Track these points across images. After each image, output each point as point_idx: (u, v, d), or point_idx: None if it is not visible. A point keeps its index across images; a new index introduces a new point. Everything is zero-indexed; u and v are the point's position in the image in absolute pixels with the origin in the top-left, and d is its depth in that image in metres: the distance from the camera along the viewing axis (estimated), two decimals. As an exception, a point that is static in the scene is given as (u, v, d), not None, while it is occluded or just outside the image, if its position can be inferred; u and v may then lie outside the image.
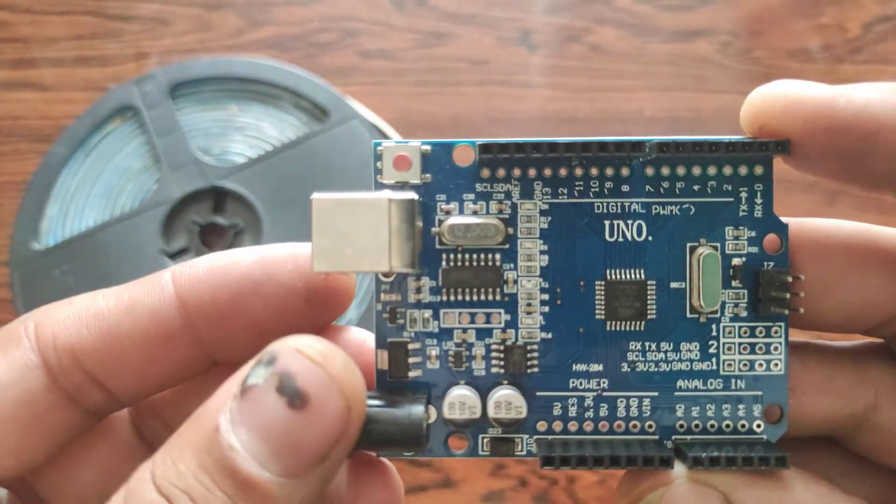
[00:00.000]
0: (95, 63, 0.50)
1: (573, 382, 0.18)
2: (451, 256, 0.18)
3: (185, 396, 0.20)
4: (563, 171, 0.18)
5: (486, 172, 0.18)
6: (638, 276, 0.17)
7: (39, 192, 0.44)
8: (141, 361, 0.18)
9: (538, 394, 0.18)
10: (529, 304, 0.18)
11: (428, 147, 0.18)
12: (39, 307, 0.18)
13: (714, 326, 0.18)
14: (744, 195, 0.18)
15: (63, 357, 0.17)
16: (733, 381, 0.18)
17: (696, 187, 0.18)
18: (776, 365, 0.18)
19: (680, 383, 0.18)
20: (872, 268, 0.19)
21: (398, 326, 0.18)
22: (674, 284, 0.18)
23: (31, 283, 0.41)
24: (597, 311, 0.18)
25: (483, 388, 0.18)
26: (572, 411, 0.18)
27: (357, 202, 0.16)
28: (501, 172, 0.18)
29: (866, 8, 0.51)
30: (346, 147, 0.44)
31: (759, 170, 0.18)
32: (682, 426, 0.18)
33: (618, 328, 0.18)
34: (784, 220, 0.18)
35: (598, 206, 0.18)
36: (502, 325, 0.18)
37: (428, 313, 0.18)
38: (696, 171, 0.18)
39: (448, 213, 0.18)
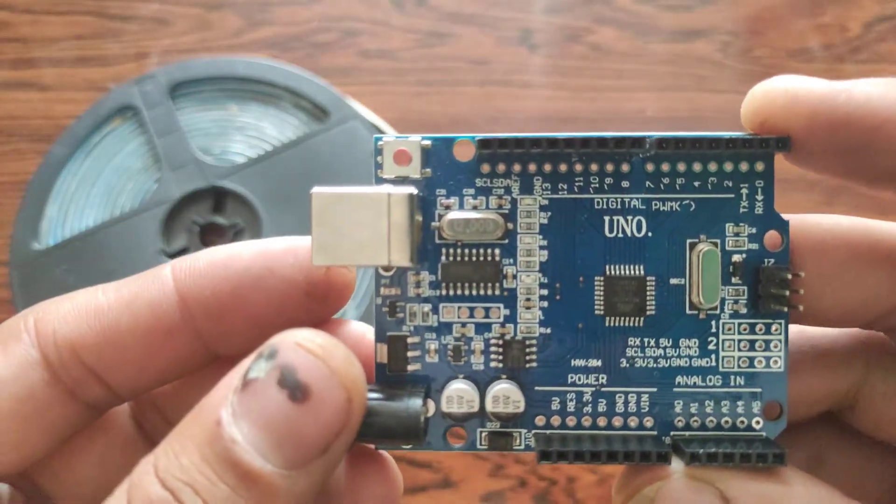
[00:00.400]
0: (95, 63, 0.50)
1: (572, 377, 0.18)
2: (451, 251, 0.18)
3: (186, 390, 0.20)
4: (562, 167, 0.18)
5: (486, 168, 0.18)
6: (637, 271, 0.18)
7: (39, 192, 0.44)
8: (141, 355, 0.18)
9: (536, 388, 0.18)
10: (528, 299, 0.18)
11: (428, 142, 0.18)
12: (39, 302, 0.18)
13: (713, 323, 0.18)
14: (744, 191, 0.18)
15: (63, 352, 0.17)
16: (732, 377, 0.18)
17: (696, 183, 0.18)
18: (776, 362, 0.18)
19: (679, 379, 0.18)
20: (871, 262, 0.19)
21: (397, 320, 0.18)
22: (673, 280, 0.18)
23: (30, 282, 0.41)
24: (596, 307, 0.18)
25: (481, 382, 0.18)
26: (571, 406, 0.18)
27: (357, 196, 0.16)
28: (501, 168, 0.18)
29: (867, 7, 0.51)
30: (346, 147, 0.44)
31: (759, 166, 0.18)
32: (680, 422, 0.18)
33: (617, 324, 0.18)
34: (784, 216, 0.18)
35: (598, 202, 0.18)
36: (501, 319, 0.18)
37: (427, 307, 0.18)
38: (697, 167, 0.18)
39: (448, 207, 0.18)
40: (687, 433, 0.18)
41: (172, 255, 0.42)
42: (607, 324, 0.18)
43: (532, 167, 0.18)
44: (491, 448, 0.18)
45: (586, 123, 0.48)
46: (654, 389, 0.18)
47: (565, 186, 0.18)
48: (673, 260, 0.18)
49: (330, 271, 0.18)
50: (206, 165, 0.44)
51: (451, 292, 0.18)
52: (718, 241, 0.18)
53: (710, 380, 0.18)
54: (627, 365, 0.18)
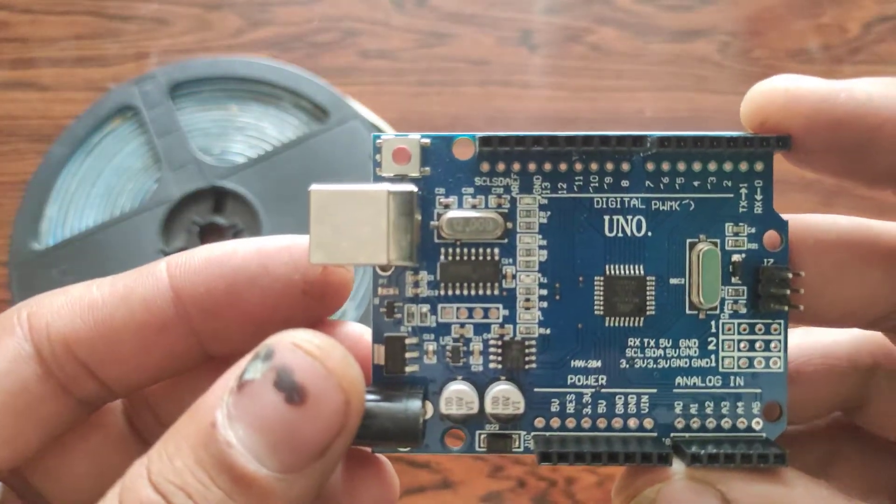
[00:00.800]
0: (95, 63, 0.50)
1: (571, 378, 0.18)
2: (450, 251, 0.17)
3: (179, 391, 0.20)
4: (562, 166, 0.18)
5: (485, 166, 0.18)
6: (637, 271, 0.17)
7: (39, 192, 0.44)
8: (135, 351, 0.17)
9: (536, 390, 0.18)
10: (528, 300, 0.18)
11: (427, 140, 0.17)
12: (33, 297, 0.18)
13: (713, 323, 0.18)
14: (744, 191, 0.18)
15: (56, 346, 0.17)
16: (732, 378, 0.18)
17: (696, 183, 0.18)
18: (775, 363, 0.18)
19: (679, 380, 0.18)
20: (871, 262, 0.19)
21: (395, 321, 0.18)
22: (673, 280, 0.18)
23: (30, 283, 0.41)
24: (595, 307, 0.17)
25: (480, 383, 0.18)
26: (570, 408, 0.18)
27: (356, 194, 0.16)
28: (501, 167, 0.18)
29: (866, 8, 0.51)
30: (346, 147, 0.44)
31: (759, 166, 0.18)
32: (680, 423, 0.18)
33: (617, 324, 0.18)
34: (783, 216, 0.18)
35: (598, 202, 0.18)
36: (500, 320, 0.18)
37: (425, 308, 0.18)
38: (697, 166, 0.18)
39: (447, 206, 0.17)
40: (687, 434, 0.18)
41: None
42: (607, 324, 0.18)
43: (532, 166, 0.18)
44: (490, 450, 0.18)
45: (586, 124, 0.48)
46: (654, 390, 0.18)
47: (565, 186, 0.18)
48: (673, 260, 0.18)
49: (327, 270, 0.17)
50: (205, 165, 0.44)
51: (450, 292, 0.18)
52: (718, 240, 0.18)
53: (710, 380, 0.18)
54: (627, 366, 0.18)
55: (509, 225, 0.17)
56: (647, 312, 0.17)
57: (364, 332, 0.18)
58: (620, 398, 0.18)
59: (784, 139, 0.17)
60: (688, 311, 0.18)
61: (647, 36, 0.50)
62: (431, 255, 0.17)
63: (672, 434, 0.18)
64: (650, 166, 0.18)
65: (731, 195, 0.18)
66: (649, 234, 0.18)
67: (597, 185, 0.18)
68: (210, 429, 0.14)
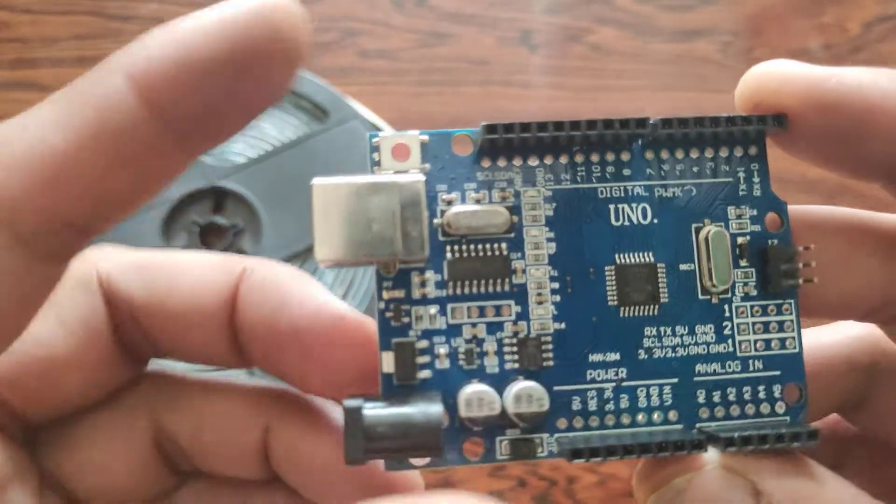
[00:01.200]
0: (95, 63, 0.50)
1: (591, 374, 0.17)
2: (456, 247, 0.17)
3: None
4: (563, 158, 0.17)
5: (486, 161, 0.17)
6: (647, 259, 0.17)
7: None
8: (187, 325, 0.17)
9: (556, 388, 0.17)
10: (540, 294, 0.17)
11: (426, 137, 0.17)
12: (98, 251, 0.17)
13: (727, 307, 0.17)
14: (742, 175, 0.18)
15: (123, 308, 0.17)
16: (750, 362, 0.17)
17: (695, 169, 0.18)
18: (791, 343, 0.18)
19: (699, 368, 0.17)
20: (868, 251, 0.19)
21: (403, 325, 0.17)
22: (683, 266, 0.17)
23: (30, 283, 0.41)
24: (609, 298, 0.17)
25: (497, 385, 0.17)
26: (592, 405, 0.17)
27: (363, 185, 0.15)
28: (502, 161, 0.17)
29: (867, 7, 0.51)
30: (346, 147, 0.44)
31: (753, 150, 0.18)
32: (704, 413, 0.17)
33: (631, 314, 0.17)
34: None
35: (602, 191, 0.17)
36: (513, 317, 0.17)
37: (434, 309, 0.17)
38: (694, 153, 0.18)
39: (449, 203, 0.17)
40: (713, 424, 0.17)
41: (172, 256, 0.42)
42: (622, 315, 0.17)
43: (533, 160, 0.17)
44: (513, 458, 0.16)
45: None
46: (675, 380, 0.17)
47: (567, 177, 0.17)
48: (681, 245, 0.17)
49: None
50: (205, 165, 0.44)
51: (459, 291, 0.17)
52: (722, 224, 0.18)
53: (730, 366, 0.17)
54: (646, 356, 0.17)
55: (515, 219, 0.17)
56: (661, 300, 0.17)
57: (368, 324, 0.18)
58: (642, 391, 0.17)
59: (780, 117, 0.17)
60: (700, 297, 0.17)
61: (647, 36, 0.50)
62: (437, 254, 0.17)
63: (697, 424, 0.17)
64: (649, 155, 0.18)
65: (731, 179, 0.18)
66: (655, 221, 0.17)
67: (599, 175, 0.17)
68: None
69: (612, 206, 0.17)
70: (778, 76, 0.17)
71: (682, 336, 0.17)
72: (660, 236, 0.17)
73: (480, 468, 0.40)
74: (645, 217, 0.17)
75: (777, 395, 0.17)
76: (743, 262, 0.17)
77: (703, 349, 0.17)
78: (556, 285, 0.17)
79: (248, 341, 0.18)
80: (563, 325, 0.17)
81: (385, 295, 0.17)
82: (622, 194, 0.17)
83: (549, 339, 0.17)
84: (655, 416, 0.17)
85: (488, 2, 0.52)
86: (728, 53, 0.50)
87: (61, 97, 0.14)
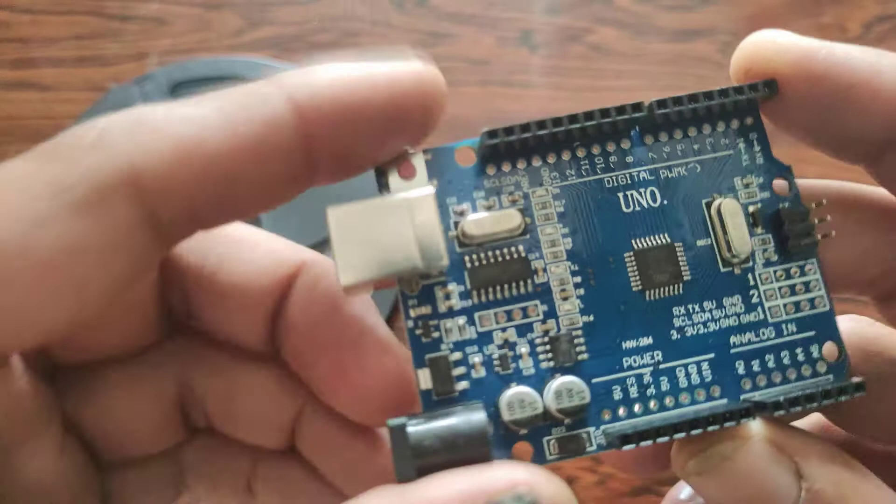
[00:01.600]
0: (95, 63, 0.50)
1: (627, 361, 0.17)
2: (475, 256, 0.17)
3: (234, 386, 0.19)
4: (565, 155, 0.18)
5: (491, 169, 0.17)
6: (664, 240, 0.17)
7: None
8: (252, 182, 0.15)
9: (594, 381, 0.17)
10: (563, 290, 0.17)
11: (430, 154, 0.17)
12: (121, 123, 0.14)
13: (750, 276, 0.17)
14: (742, 146, 0.18)
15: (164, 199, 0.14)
16: (784, 326, 0.17)
17: (695, 146, 0.18)
18: (820, 301, 0.18)
19: (733, 339, 0.17)
20: (863, 223, 0.19)
21: (434, 340, 0.17)
22: (700, 242, 0.17)
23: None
24: (633, 284, 0.17)
25: (536, 386, 0.17)
26: (633, 392, 0.17)
27: (377, 206, 0.15)
28: (506, 166, 0.17)
29: (866, 8, 0.51)
30: (346, 147, 0.44)
31: (749, 120, 0.18)
32: (747, 384, 0.17)
33: (657, 296, 0.17)
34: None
35: (609, 181, 0.18)
36: (541, 316, 0.17)
37: (462, 319, 0.17)
38: (692, 132, 0.18)
39: (462, 213, 0.17)
40: (756, 394, 0.17)
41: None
42: (648, 298, 0.17)
43: (536, 160, 0.17)
44: (563, 456, 0.16)
45: (586, 123, 0.48)
46: (712, 355, 0.17)
47: (573, 172, 0.18)
48: (694, 222, 0.18)
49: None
50: (206, 165, 0.44)
51: (484, 298, 0.17)
52: (732, 195, 0.18)
53: (764, 333, 0.17)
54: (679, 336, 0.17)
55: (528, 220, 0.17)
56: (684, 278, 0.17)
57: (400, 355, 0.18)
58: (681, 371, 0.17)
59: (770, 83, 0.18)
60: (723, 269, 0.17)
61: (647, 36, 0.50)
62: (457, 266, 0.17)
63: (742, 396, 0.17)
64: (649, 139, 0.18)
65: (732, 151, 0.18)
66: (665, 202, 0.17)
67: (603, 165, 0.18)
68: None
69: (620, 194, 0.17)
70: (771, 45, 0.18)
71: (710, 311, 0.17)
72: (672, 216, 0.17)
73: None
74: (654, 200, 0.18)
75: (816, 355, 0.17)
76: (758, 230, 0.18)
77: (735, 320, 0.17)
78: (578, 279, 0.17)
79: (286, 336, 0.18)
80: (591, 318, 0.17)
81: (412, 313, 0.17)
82: (628, 181, 0.18)
83: (580, 332, 0.17)
84: (698, 394, 0.17)
85: (488, 2, 0.52)
86: (728, 53, 0.50)
87: (225, 103, 0.14)
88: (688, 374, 0.17)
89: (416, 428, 0.15)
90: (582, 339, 0.17)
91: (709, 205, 0.18)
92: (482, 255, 0.17)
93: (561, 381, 0.16)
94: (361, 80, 0.15)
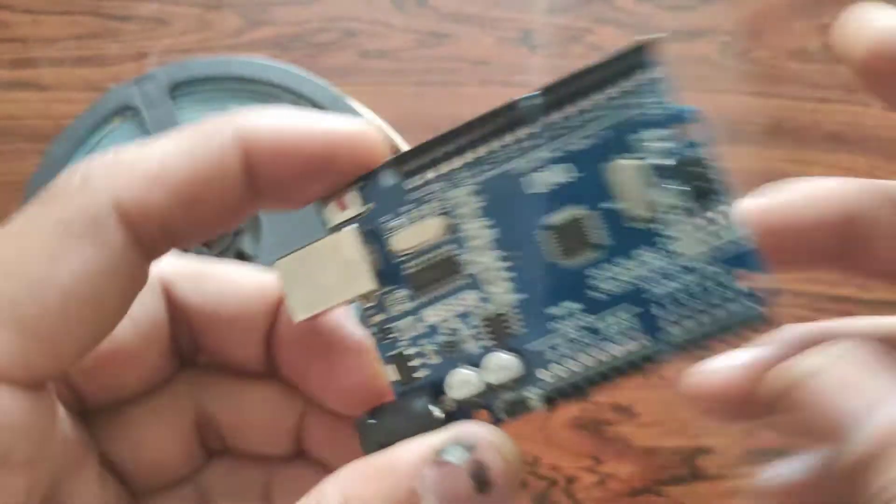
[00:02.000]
0: (95, 63, 0.50)
1: (553, 325, 0.18)
2: (411, 263, 0.19)
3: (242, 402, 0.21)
4: (477, 152, 0.19)
5: (415, 181, 0.19)
6: (578, 212, 0.18)
7: (39, 191, 0.44)
8: (207, 209, 0.17)
9: (531, 349, 0.18)
10: (491, 275, 0.18)
11: (362, 182, 0.19)
12: (97, 169, 0.17)
13: (662, 227, 0.18)
14: (640, 102, 0.18)
15: (142, 223, 0.17)
16: (700, 266, 0.18)
17: (599, 114, 0.18)
18: (730, 234, 0.18)
19: (654, 289, 0.18)
20: None
21: (392, 340, 0.19)
22: (610, 205, 0.18)
23: (30, 283, 0.41)
24: (557, 257, 0.18)
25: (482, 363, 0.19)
26: (565, 349, 0.18)
27: (312, 250, 0.18)
28: (424, 176, 0.19)
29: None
30: (345, 147, 0.44)
31: (641, 76, 0.19)
32: (670, 326, 0.18)
33: (578, 264, 0.18)
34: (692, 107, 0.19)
35: (519, 168, 0.18)
36: (476, 302, 0.18)
37: (411, 318, 0.19)
38: (589, 103, 0.18)
39: (391, 229, 0.19)
40: (678, 331, 0.18)
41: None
42: (569, 266, 0.18)
43: (447, 166, 0.19)
44: (510, 415, 0.18)
45: (586, 124, 0.48)
46: (635, 307, 0.18)
47: (485, 168, 0.18)
48: (602, 189, 0.18)
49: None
50: (205, 165, 0.44)
51: (426, 298, 0.19)
52: (641, 155, 0.18)
53: (682, 277, 0.18)
54: (601, 294, 0.18)
55: (452, 221, 0.18)
56: (600, 243, 0.18)
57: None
58: (608, 326, 0.18)
59: (638, 49, 0.18)
60: (637, 226, 0.18)
61: (647, 36, 0.50)
62: (398, 275, 0.19)
63: (666, 337, 0.18)
64: (550, 118, 0.18)
65: (633, 111, 0.18)
66: (575, 175, 0.18)
67: (513, 154, 0.18)
68: (409, 494, 0.16)
69: (533, 176, 0.18)
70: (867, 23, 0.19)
71: (628, 268, 0.18)
72: (584, 188, 0.18)
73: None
74: (568, 173, 0.18)
75: (728, 284, 0.17)
76: (669, 182, 0.18)
77: (651, 271, 0.18)
78: (505, 264, 0.18)
79: (280, 353, 0.20)
80: (524, 295, 0.18)
81: (371, 321, 0.19)
82: (539, 163, 0.18)
83: (513, 310, 0.18)
84: (629, 345, 0.18)
85: (488, 2, 0.52)
86: (728, 54, 0.50)
87: (184, 139, 0.17)
88: (619, 329, 0.18)
89: (374, 422, 0.18)
90: (518, 315, 0.18)
91: (609, 169, 0.18)
92: (415, 262, 0.19)
93: (491, 359, 0.18)
94: (300, 126, 0.17)
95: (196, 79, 0.46)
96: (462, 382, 0.18)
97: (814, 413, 0.17)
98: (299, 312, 0.18)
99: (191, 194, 0.17)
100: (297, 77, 0.46)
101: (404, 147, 0.45)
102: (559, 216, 0.18)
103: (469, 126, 0.19)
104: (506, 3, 0.52)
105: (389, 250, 0.19)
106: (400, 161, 0.19)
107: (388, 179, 0.19)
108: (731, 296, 0.17)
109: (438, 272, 0.18)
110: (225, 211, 0.17)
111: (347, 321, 0.20)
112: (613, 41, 0.50)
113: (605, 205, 0.18)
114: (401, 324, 0.19)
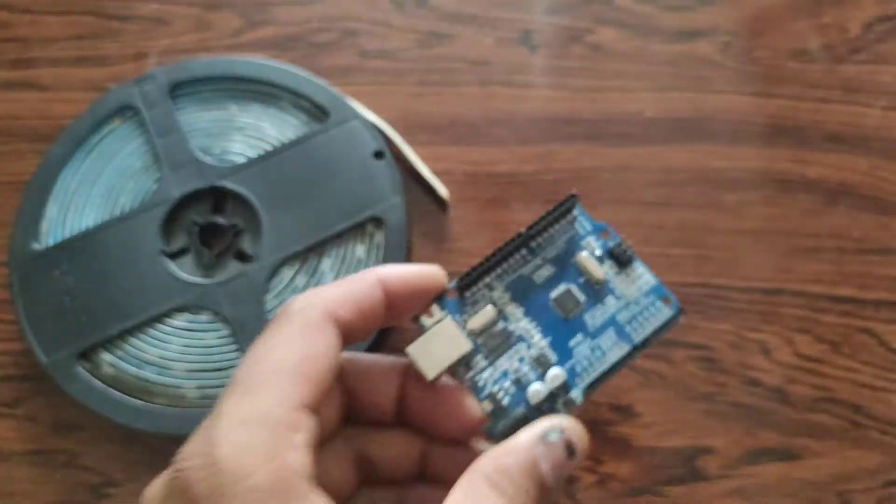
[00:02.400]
0: (95, 63, 0.50)
1: (573, 351, 0.30)
2: (482, 337, 0.29)
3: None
4: (502, 267, 0.30)
5: (467, 292, 0.30)
6: (564, 287, 0.30)
7: (39, 191, 0.44)
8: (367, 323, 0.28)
9: (564, 367, 0.29)
10: (530, 333, 0.30)
11: (436, 302, 0.29)
12: (312, 295, 0.27)
13: (609, 285, 0.30)
14: (577, 226, 0.31)
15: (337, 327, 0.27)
16: (637, 300, 0.30)
17: (557, 238, 0.31)
18: (647, 281, 0.30)
19: (617, 317, 0.30)
20: None
21: (481, 386, 0.29)
22: (582, 280, 0.30)
23: (30, 283, 0.41)
24: (559, 314, 0.30)
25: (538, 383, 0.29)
26: (585, 362, 0.29)
27: (429, 335, 0.28)
28: (478, 285, 0.30)
29: (866, 8, 0.51)
30: (346, 147, 0.43)
31: (571, 215, 0.31)
32: (633, 335, 0.30)
33: (573, 315, 0.30)
34: (602, 222, 0.31)
35: (524, 272, 0.30)
36: (527, 350, 0.29)
37: (490, 370, 0.29)
38: (553, 230, 0.31)
39: (466, 320, 0.29)
40: (638, 337, 0.30)
41: (172, 255, 0.42)
42: (569, 318, 0.30)
43: (489, 278, 0.30)
44: (568, 411, 0.28)
45: (586, 124, 0.48)
46: (611, 328, 0.30)
47: (508, 275, 0.30)
48: (574, 272, 0.30)
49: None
50: (206, 165, 0.44)
51: (495, 355, 0.29)
52: (588, 251, 0.30)
53: (629, 306, 0.30)
54: (592, 328, 0.30)
55: (499, 309, 0.30)
56: (580, 300, 0.30)
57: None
58: (604, 342, 0.29)
59: (569, 199, 0.30)
60: (596, 287, 0.30)
61: (647, 36, 0.50)
62: (476, 347, 0.29)
63: (632, 341, 0.29)
64: (536, 242, 0.31)
65: (573, 232, 0.31)
66: (556, 269, 0.30)
67: (521, 265, 0.30)
68: (533, 462, 0.25)
69: (534, 275, 0.30)
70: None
71: (603, 310, 0.30)
72: (565, 274, 0.30)
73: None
74: (551, 270, 0.30)
75: (658, 306, 0.30)
76: (606, 264, 0.30)
77: (614, 308, 0.30)
78: (535, 324, 0.30)
79: (408, 406, 0.29)
80: (550, 338, 0.29)
81: (466, 378, 0.29)
82: (534, 268, 0.30)
83: (548, 349, 0.29)
84: (617, 350, 0.29)
85: (488, 2, 0.52)
86: (728, 54, 0.50)
87: (349, 281, 0.28)
88: (603, 344, 0.29)
89: (497, 426, 0.28)
90: (550, 351, 0.29)
91: (575, 262, 0.30)
92: (483, 336, 0.29)
93: (550, 372, 0.29)
94: (409, 274, 0.28)
95: (196, 79, 0.46)
96: (535, 392, 0.28)
97: None
98: (430, 373, 0.27)
99: (361, 311, 0.27)
100: (297, 77, 0.46)
101: (403, 146, 0.45)
102: (556, 291, 0.30)
103: (493, 254, 0.29)
104: (506, 3, 0.52)
105: (468, 330, 0.29)
106: (460, 284, 0.29)
107: (449, 297, 0.30)
108: (659, 310, 0.30)
109: (498, 338, 0.29)
110: (375, 321, 0.28)
111: (451, 382, 0.29)
112: (613, 41, 0.50)
113: (579, 280, 0.30)
114: (485, 374, 0.29)
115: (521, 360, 0.29)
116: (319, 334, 0.26)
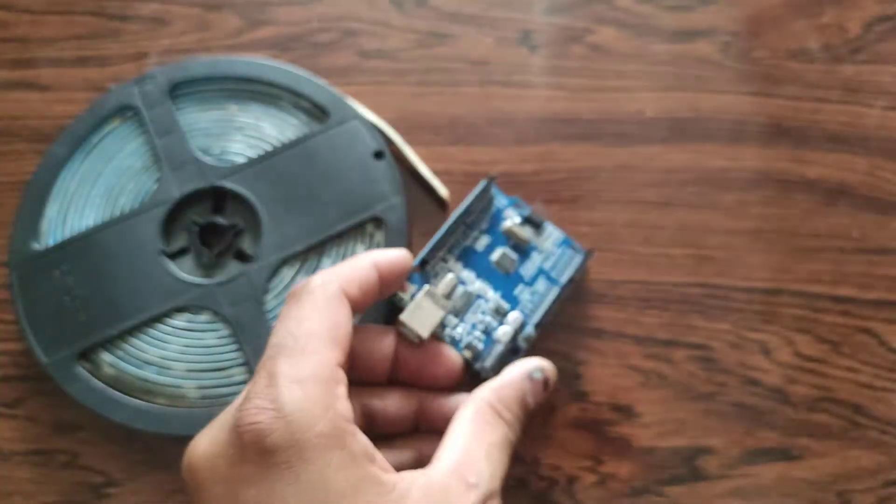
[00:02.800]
0: (95, 63, 0.50)
1: (519, 297, 0.40)
2: (450, 300, 0.38)
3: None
4: (448, 243, 0.40)
5: (427, 266, 0.39)
6: (502, 251, 0.40)
7: (39, 191, 0.44)
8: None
9: (518, 311, 0.40)
10: (483, 290, 0.39)
11: (408, 283, 0.38)
12: (326, 275, 0.33)
13: (533, 244, 0.41)
14: (494, 202, 0.41)
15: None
16: (560, 250, 0.41)
17: (483, 210, 0.41)
18: (559, 236, 0.41)
19: (542, 266, 0.40)
20: None
21: (459, 339, 0.38)
22: (510, 243, 0.41)
23: (30, 283, 0.41)
24: (502, 272, 0.40)
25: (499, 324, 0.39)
26: (530, 305, 0.40)
27: (414, 303, 0.36)
28: (437, 259, 0.39)
29: (866, 8, 0.51)
30: (346, 147, 0.43)
31: (489, 194, 0.41)
32: (560, 277, 0.40)
33: (511, 272, 0.39)
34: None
35: (468, 242, 0.40)
36: (487, 303, 0.39)
37: (462, 325, 0.38)
38: (478, 207, 0.41)
39: (435, 289, 0.37)
40: (563, 278, 0.40)
41: (172, 256, 0.42)
42: (508, 274, 0.39)
43: (441, 252, 0.39)
44: (528, 344, 0.38)
45: (586, 124, 0.48)
46: (544, 275, 0.40)
47: (456, 247, 0.39)
48: (506, 238, 0.41)
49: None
50: (205, 165, 0.44)
51: (463, 312, 0.39)
52: (509, 221, 0.41)
53: (551, 258, 0.40)
54: (530, 277, 0.40)
55: (456, 274, 0.39)
56: (515, 259, 0.40)
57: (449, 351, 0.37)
58: (540, 287, 0.40)
59: (487, 181, 0.41)
60: (523, 247, 0.41)
61: (647, 36, 0.50)
62: (446, 308, 0.37)
63: (559, 281, 0.40)
64: (470, 218, 0.41)
65: (496, 205, 0.41)
66: (493, 236, 0.40)
67: (464, 238, 0.40)
68: (523, 394, 0.34)
69: (477, 244, 0.39)
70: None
71: (533, 263, 0.39)
72: (498, 241, 0.39)
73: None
74: (488, 239, 0.39)
75: (572, 253, 0.40)
76: (525, 226, 0.39)
77: (541, 259, 0.40)
78: (487, 282, 0.39)
79: (400, 367, 0.36)
80: (501, 292, 0.39)
81: (444, 334, 0.38)
82: (475, 238, 0.40)
83: (502, 299, 0.38)
84: (551, 293, 0.40)
85: (488, 2, 0.52)
86: (728, 54, 0.50)
87: (350, 264, 0.34)
88: (539, 289, 0.39)
89: (486, 364, 0.38)
90: (502, 302, 0.38)
91: (503, 229, 0.39)
92: (451, 299, 0.37)
93: (510, 315, 0.38)
94: (393, 258, 0.35)
95: (196, 79, 0.46)
96: (504, 332, 0.37)
97: None
98: (424, 332, 0.35)
99: (362, 288, 0.33)
100: (297, 77, 0.46)
101: (403, 146, 0.45)
102: (495, 255, 0.39)
103: (441, 233, 0.38)
104: (506, 3, 0.52)
105: (439, 295, 0.36)
106: (422, 261, 0.38)
107: (416, 273, 0.38)
108: (575, 255, 0.40)
109: (462, 299, 0.38)
110: (372, 296, 0.34)
111: (437, 339, 0.36)
112: (613, 41, 0.50)
113: (509, 243, 0.39)
114: (458, 329, 0.37)
115: (483, 312, 0.38)
116: (339, 305, 0.31)
